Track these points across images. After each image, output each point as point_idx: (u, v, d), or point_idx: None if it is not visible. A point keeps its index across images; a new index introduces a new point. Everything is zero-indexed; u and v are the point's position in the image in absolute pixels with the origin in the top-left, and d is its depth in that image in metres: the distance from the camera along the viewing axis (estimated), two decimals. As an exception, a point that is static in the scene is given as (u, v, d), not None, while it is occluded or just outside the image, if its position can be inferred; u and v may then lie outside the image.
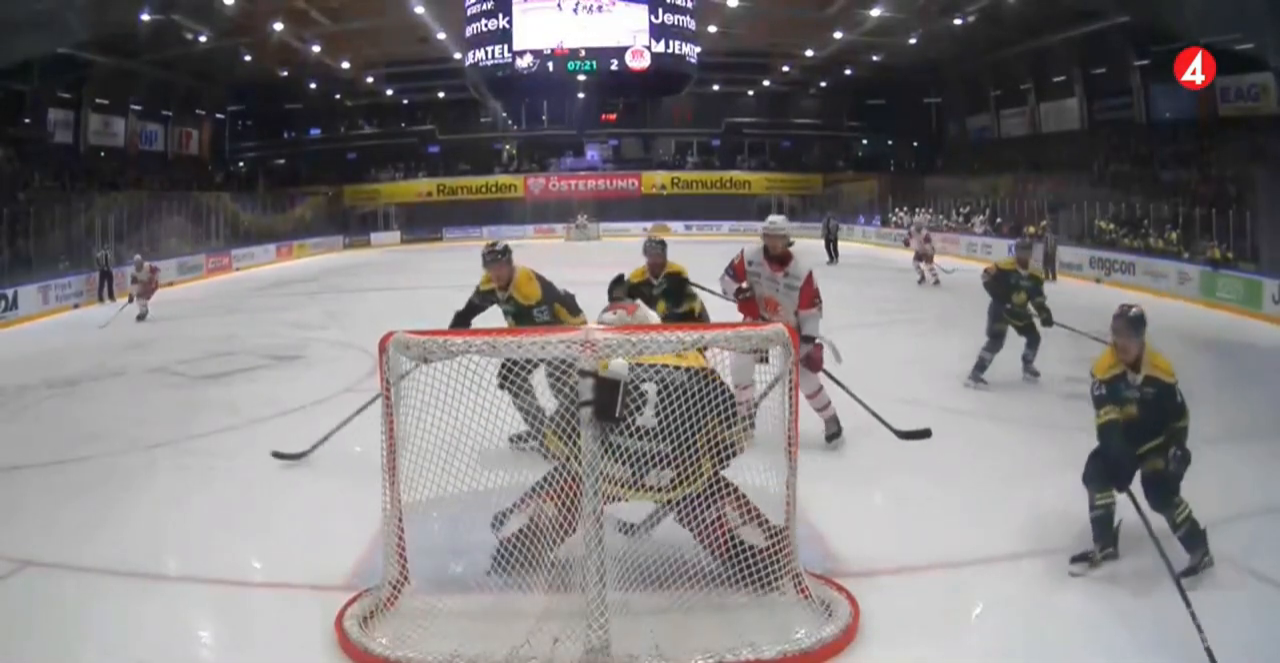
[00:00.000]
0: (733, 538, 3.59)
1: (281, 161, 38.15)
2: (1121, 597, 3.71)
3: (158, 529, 4.67)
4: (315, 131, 38.74)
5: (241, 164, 36.72)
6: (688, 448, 3.45)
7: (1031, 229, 19.29)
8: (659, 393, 3.52)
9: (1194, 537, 3.91)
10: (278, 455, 5.85)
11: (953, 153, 34.71)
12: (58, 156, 25.06)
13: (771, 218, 6.02)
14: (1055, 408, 6.97)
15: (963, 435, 6.23)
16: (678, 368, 3.59)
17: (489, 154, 38.78)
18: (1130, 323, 3.99)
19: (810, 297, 5.70)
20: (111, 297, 16.72)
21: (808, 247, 21.86)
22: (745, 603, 3.52)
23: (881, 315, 12.65)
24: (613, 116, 38.30)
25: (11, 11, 17.79)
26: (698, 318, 6.49)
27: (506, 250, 5.84)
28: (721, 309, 6.63)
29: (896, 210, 29.93)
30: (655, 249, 6.66)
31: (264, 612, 3.73)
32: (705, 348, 3.55)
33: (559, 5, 30.38)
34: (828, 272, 19.97)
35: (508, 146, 39.19)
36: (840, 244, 23.44)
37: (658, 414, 3.48)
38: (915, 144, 37.87)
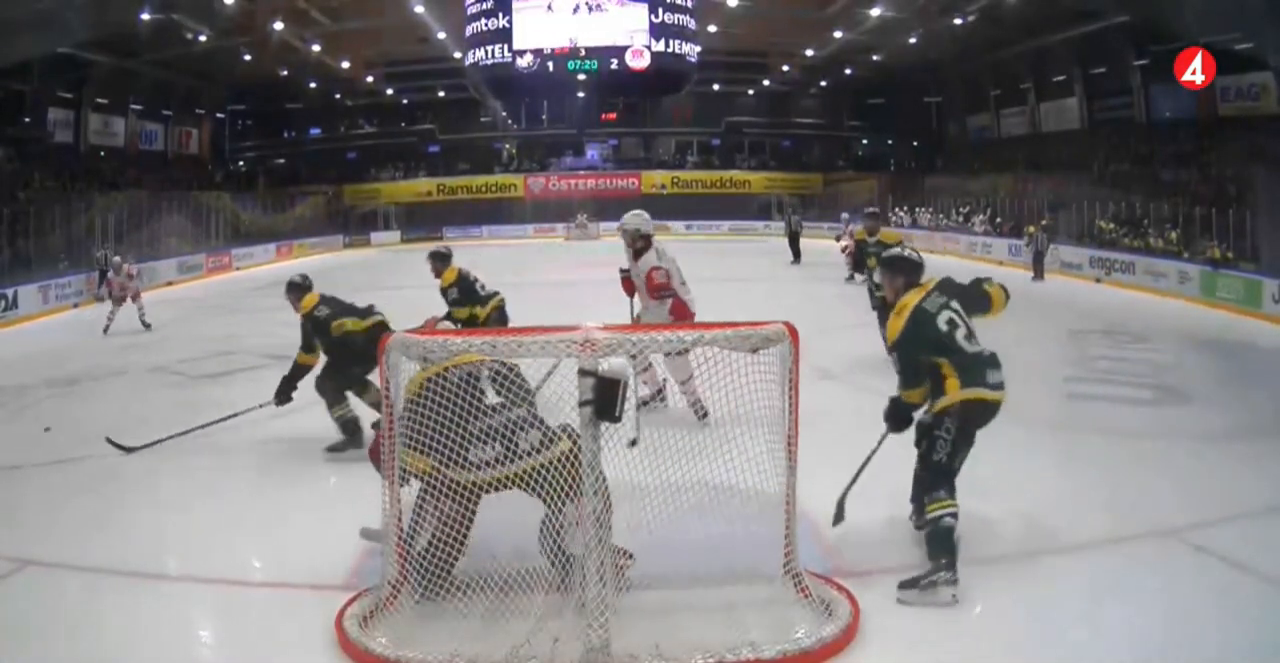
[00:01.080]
0: (562, 539, 3.52)
1: (281, 161, 38.20)
2: (1122, 595, 3.71)
3: (158, 529, 4.67)
4: (315, 131, 38.79)
5: (241, 164, 36.77)
6: (535, 407, 3.56)
7: (1031, 228, 19.27)
8: (492, 373, 3.71)
9: (933, 544, 3.68)
10: (111, 443, 6.05)
11: (953, 152, 34.68)
12: (58, 156, 25.07)
13: (625, 216, 6.33)
14: (1057, 408, 6.92)
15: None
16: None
17: (489, 154, 38.81)
18: (883, 263, 4.22)
19: (651, 290, 6.11)
20: (111, 296, 16.70)
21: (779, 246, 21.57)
22: (745, 603, 3.52)
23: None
24: (613, 116, 38.36)
25: (11, 11, 17.77)
26: (484, 322, 6.77)
27: (293, 286, 6.15)
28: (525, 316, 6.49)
29: (896, 209, 29.91)
30: (431, 260, 7.06)
31: (264, 612, 3.73)
32: None
33: (549, 6, 30.37)
34: (791, 272, 19.92)
35: (508, 146, 39.21)
36: (833, 244, 23.32)
37: (496, 389, 3.68)
38: (915, 144, 37.86)
